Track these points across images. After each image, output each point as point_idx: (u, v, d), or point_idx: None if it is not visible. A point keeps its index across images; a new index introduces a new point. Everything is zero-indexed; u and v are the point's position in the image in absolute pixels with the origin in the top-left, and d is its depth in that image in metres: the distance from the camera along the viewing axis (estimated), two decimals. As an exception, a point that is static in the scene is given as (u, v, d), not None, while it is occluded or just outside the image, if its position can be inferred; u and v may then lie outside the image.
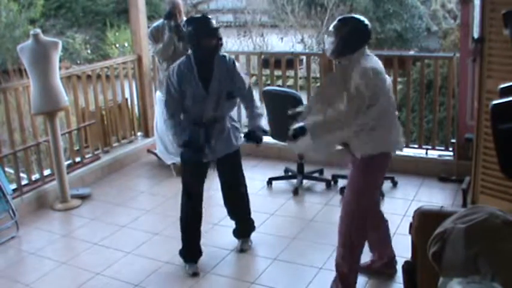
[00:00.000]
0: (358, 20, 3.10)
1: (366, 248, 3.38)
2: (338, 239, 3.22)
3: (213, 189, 5.06)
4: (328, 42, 3.09)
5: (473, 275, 1.52)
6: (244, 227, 3.92)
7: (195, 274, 3.56)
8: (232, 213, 3.89)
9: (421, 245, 1.86)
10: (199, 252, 3.68)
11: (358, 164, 3.12)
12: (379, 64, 3.08)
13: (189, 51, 3.50)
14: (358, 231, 3.15)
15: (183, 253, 3.67)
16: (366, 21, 3.10)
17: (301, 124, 3.03)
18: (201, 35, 3.34)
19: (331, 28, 3.09)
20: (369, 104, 2.93)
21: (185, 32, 3.47)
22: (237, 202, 3.84)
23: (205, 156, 3.54)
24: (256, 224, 4.19)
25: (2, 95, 4.63)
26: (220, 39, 3.43)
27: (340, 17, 3.16)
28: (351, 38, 3.02)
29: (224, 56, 3.51)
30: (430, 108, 6.02)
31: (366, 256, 3.44)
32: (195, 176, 3.64)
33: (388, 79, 3.16)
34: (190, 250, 3.67)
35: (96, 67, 5.73)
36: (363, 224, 3.16)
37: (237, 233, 3.92)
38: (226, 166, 3.70)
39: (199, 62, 3.43)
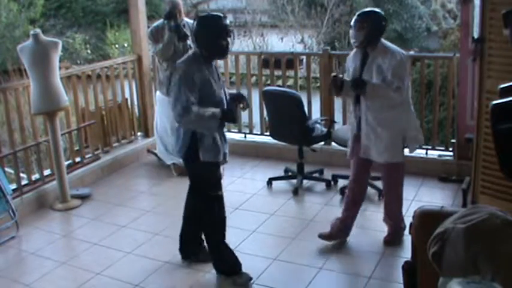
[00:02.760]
0: (379, 12, 3.66)
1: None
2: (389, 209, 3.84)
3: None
4: (354, 34, 3.53)
5: (473, 275, 1.52)
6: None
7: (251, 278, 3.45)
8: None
9: (421, 245, 1.86)
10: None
11: None
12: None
13: (194, 50, 3.31)
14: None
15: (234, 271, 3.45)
16: (383, 13, 3.67)
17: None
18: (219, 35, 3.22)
19: (354, 23, 3.54)
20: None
21: (199, 30, 3.25)
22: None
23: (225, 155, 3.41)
24: (256, 224, 4.21)
25: (2, 95, 4.62)
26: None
27: (361, 12, 3.64)
28: (378, 28, 3.55)
29: None
30: (430, 108, 6.02)
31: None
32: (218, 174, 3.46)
33: None
34: (237, 261, 3.47)
35: (96, 67, 5.73)
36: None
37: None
38: None
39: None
